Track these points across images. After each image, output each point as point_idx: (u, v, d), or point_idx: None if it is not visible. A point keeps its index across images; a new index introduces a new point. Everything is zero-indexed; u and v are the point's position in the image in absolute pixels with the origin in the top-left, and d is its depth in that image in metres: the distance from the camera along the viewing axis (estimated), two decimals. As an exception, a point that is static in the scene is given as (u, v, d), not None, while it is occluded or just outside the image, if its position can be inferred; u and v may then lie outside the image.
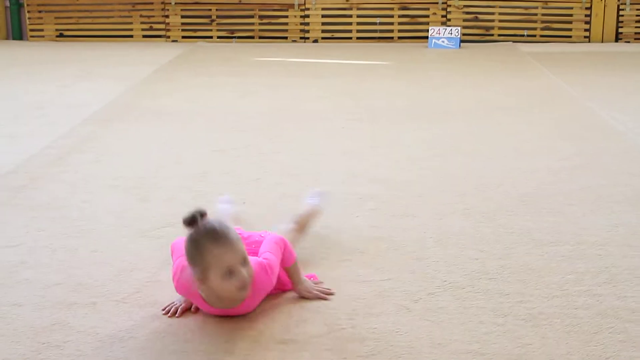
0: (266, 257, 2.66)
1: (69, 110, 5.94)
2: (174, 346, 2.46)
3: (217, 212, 3.33)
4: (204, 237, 2.46)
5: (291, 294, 2.80)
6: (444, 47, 9.30)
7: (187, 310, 2.69)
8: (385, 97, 6.39)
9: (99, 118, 5.65)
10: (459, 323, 2.60)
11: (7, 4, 10.34)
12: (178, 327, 2.59)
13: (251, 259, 2.59)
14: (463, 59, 8.48)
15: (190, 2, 10.04)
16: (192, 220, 2.48)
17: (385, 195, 3.90)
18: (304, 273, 2.86)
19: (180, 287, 2.63)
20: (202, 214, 2.49)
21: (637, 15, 9.65)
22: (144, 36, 10.16)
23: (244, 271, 2.49)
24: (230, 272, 2.47)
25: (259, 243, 2.79)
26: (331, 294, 2.78)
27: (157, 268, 3.04)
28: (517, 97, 6.30)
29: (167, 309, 2.68)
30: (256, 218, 3.54)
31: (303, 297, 2.76)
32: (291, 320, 2.60)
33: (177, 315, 2.65)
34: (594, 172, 4.24)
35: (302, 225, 3.17)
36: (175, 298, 2.72)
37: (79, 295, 2.82)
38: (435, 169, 4.33)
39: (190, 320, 2.63)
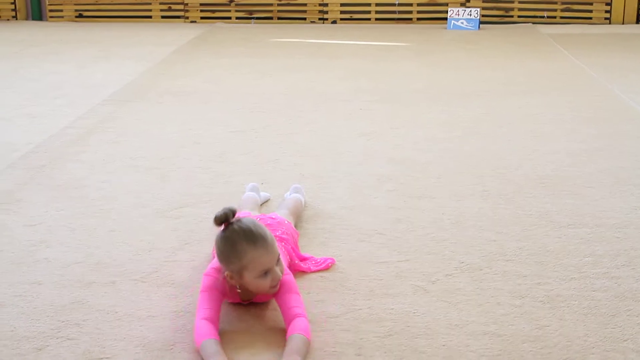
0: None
1: (88, 90, 5.96)
2: (191, 325, 2.47)
3: (243, 199, 3.35)
4: (241, 238, 2.41)
5: (308, 276, 2.81)
6: (463, 28, 9.25)
7: None
8: (403, 78, 6.37)
9: (118, 98, 5.67)
10: (476, 304, 2.60)
11: (27, -16, 10.38)
12: (195, 306, 2.60)
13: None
14: (482, 40, 8.43)
15: (209, -18, 10.03)
16: (224, 219, 2.44)
17: (403, 176, 3.90)
18: (321, 255, 2.86)
19: (215, 278, 2.51)
20: (234, 212, 2.45)
21: (659, -3, 9.56)
22: (163, 17, 10.17)
23: (277, 270, 2.47)
24: (265, 273, 2.44)
25: (269, 226, 2.79)
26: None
27: (175, 248, 3.06)
28: (537, 79, 6.26)
29: None
30: (275, 199, 3.55)
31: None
32: (308, 301, 2.61)
33: None
34: (613, 154, 4.22)
35: (295, 215, 3.20)
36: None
37: (98, 274, 2.84)
38: (454, 151, 4.31)
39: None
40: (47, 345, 2.37)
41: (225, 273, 2.47)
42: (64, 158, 4.24)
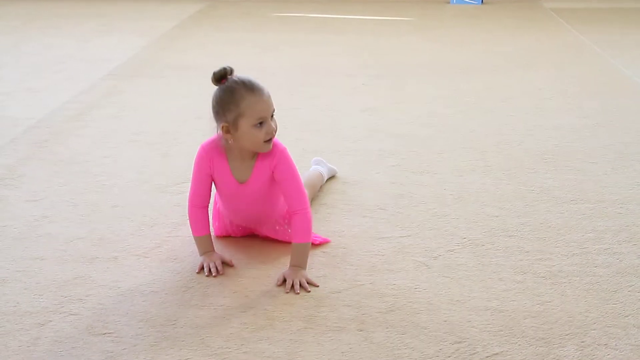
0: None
1: (89, 65, 5.95)
2: (195, 300, 2.48)
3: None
4: (240, 86, 2.55)
5: (310, 251, 2.81)
6: (467, 2, 9.19)
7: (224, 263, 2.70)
8: (406, 53, 6.34)
9: (119, 73, 5.65)
10: (478, 280, 2.60)
11: (28, -42, 10.31)
12: (198, 281, 2.61)
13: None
14: (485, 15, 8.38)
15: (211, -44, 9.96)
16: (222, 75, 2.58)
17: (405, 151, 3.89)
18: (324, 231, 2.87)
19: (205, 151, 2.66)
20: (232, 70, 2.59)
21: (663, -29, 9.48)
22: (164, -9, 10.09)
23: (272, 124, 2.58)
24: (261, 123, 2.55)
25: None
26: (307, 291, 2.56)
27: (177, 223, 3.06)
28: (540, 54, 6.23)
29: (205, 270, 2.65)
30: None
31: (282, 280, 2.59)
32: (310, 276, 2.62)
33: (220, 271, 2.64)
34: (616, 129, 4.21)
35: (310, 187, 3.18)
36: (200, 261, 2.71)
37: (100, 250, 2.85)
38: (456, 126, 4.30)
39: (210, 277, 2.65)
40: (50, 321, 2.38)
41: (222, 125, 2.58)
42: (65, 133, 4.23)
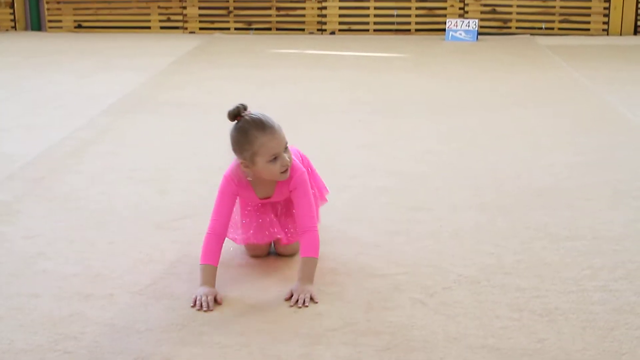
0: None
1: (87, 101, 5.97)
2: (190, 338, 2.48)
3: None
4: (252, 126, 2.77)
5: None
6: (462, 39, 9.27)
7: (215, 301, 2.72)
8: (402, 89, 6.38)
9: (117, 109, 5.68)
10: (475, 317, 2.60)
11: (26, -6, 10.40)
12: (194, 319, 2.60)
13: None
14: (480, 51, 8.45)
15: (208, -7, 10.05)
16: (236, 113, 2.81)
17: (401, 188, 3.91)
18: (319, 267, 2.87)
19: (229, 180, 2.88)
20: (245, 107, 2.82)
21: (656, 8, 9.58)
22: (162, 27, 10.19)
23: (285, 156, 2.81)
24: (275, 158, 2.78)
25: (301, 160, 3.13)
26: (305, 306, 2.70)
27: (173, 260, 3.06)
28: (535, 91, 6.27)
29: (197, 303, 2.68)
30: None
31: (290, 294, 2.72)
32: (306, 314, 2.61)
33: (210, 308, 2.66)
34: (611, 166, 4.23)
35: None
36: (195, 293, 2.73)
37: (96, 287, 2.84)
38: (452, 163, 4.32)
39: (206, 314, 2.64)
40: (45, 359, 2.36)
41: (240, 162, 2.82)
42: (62, 169, 4.24)
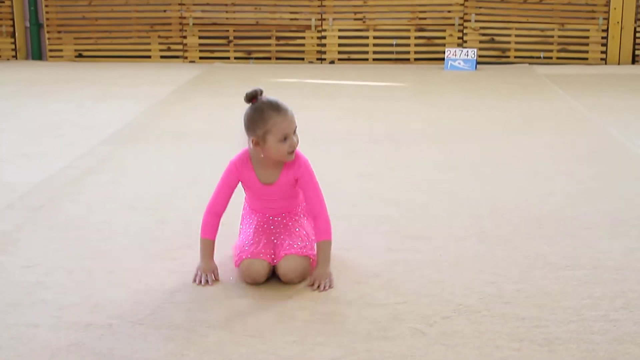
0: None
1: (87, 130, 5.99)
2: (189, 368, 2.47)
3: None
4: (267, 106, 3.03)
5: (305, 317, 2.80)
6: (460, 68, 9.31)
7: (216, 280, 3.07)
8: (401, 118, 6.40)
9: (117, 138, 5.69)
10: (474, 347, 2.59)
11: (27, 24, 10.47)
12: (193, 349, 2.59)
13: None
14: (479, 80, 8.48)
15: (208, 23, 10.12)
16: (253, 95, 3.04)
17: (401, 217, 3.91)
18: (319, 296, 2.87)
19: (234, 166, 3.15)
20: (262, 92, 3.05)
21: (654, 38, 9.64)
22: (162, 57, 10.24)
23: (294, 138, 3.08)
24: (285, 138, 3.03)
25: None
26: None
27: (173, 289, 3.05)
28: (534, 119, 6.29)
29: (197, 279, 3.07)
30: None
31: (312, 281, 3.04)
32: (306, 344, 2.60)
33: (210, 284, 3.00)
34: (610, 195, 4.23)
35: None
36: (198, 269, 3.07)
37: (95, 316, 2.83)
38: (451, 192, 4.32)
39: (206, 342, 2.64)
40: (44, 389, 2.35)
41: (252, 139, 3.05)
42: (62, 198, 4.24)
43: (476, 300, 2.95)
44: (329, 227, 3.13)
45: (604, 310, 2.85)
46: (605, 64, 9.69)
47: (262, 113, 3.03)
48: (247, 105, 3.09)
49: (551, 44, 9.75)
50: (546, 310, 2.85)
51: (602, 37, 9.68)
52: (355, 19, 9.96)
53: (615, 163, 4.90)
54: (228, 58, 10.14)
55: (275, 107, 3.04)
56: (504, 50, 9.82)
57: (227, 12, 10.08)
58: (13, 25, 10.44)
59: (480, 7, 9.77)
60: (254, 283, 3.07)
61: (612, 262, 3.30)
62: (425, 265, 3.29)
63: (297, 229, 3.19)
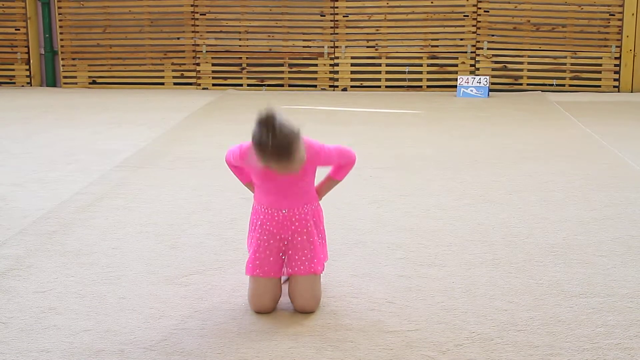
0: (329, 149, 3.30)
1: (100, 156, 6.01)
2: (201, 395, 2.46)
3: None
4: (265, 144, 3.15)
5: (318, 345, 2.78)
6: (473, 96, 9.32)
7: None
8: (414, 145, 6.40)
9: (130, 164, 5.71)
10: (488, 375, 2.57)
11: (42, 51, 10.56)
12: (205, 375, 2.58)
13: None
14: (492, 108, 8.48)
15: (221, 50, 10.18)
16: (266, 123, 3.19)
17: (413, 244, 3.89)
18: (331, 323, 2.85)
19: (242, 156, 3.23)
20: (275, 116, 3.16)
21: (667, 65, 9.64)
22: (175, 84, 10.30)
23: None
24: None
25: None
26: None
27: (185, 315, 3.04)
28: (546, 147, 6.28)
29: None
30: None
31: None
32: (318, 370, 2.59)
33: None
34: (624, 223, 4.21)
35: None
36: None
37: (107, 342, 2.83)
38: (464, 219, 4.31)
39: (217, 369, 2.63)
40: (54, 415, 2.35)
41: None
42: (74, 224, 4.25)
43: (489, 327, 2.93)
44: (346, 172, 3.30)
45: (618, 339, 2.83)
46: (618, 91, 9.69)
47: (256, 145, 3.15)
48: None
49: (564, 71, 9.76)
50: (560, 338, 2.83)
51: (615, 65, 9.68)
52: (368, 47, 10.00)
53: (629, 190, 4.88)
54: (241, 85, 10.19)
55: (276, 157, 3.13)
56: (516, 77, 9.83)
57: (240, 39, 10.14)
58: (28, 52, 10.53)
59: (492, 35, 9.80)
60: (261, 312, 3.06)
61: (626, 290, 3.27)
62: (438, 292, 3.28)
63: (305, 242, 3.16)
